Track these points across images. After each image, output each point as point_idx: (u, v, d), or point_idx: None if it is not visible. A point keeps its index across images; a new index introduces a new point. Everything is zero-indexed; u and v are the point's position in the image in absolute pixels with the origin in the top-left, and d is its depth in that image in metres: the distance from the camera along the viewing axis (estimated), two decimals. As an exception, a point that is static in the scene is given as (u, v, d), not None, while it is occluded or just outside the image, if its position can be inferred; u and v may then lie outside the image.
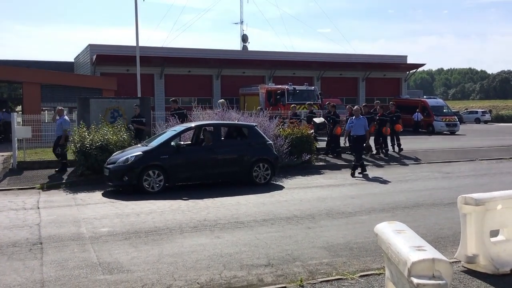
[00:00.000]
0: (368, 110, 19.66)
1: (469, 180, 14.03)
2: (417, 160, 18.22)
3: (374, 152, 19.02)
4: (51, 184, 12.98)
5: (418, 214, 9.46)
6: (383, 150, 19.08)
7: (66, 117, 15.13)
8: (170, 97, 34.22)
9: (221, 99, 15.99)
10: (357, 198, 11.14)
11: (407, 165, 17.34)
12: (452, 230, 7.99)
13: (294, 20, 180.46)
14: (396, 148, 19.70)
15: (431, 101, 37.12)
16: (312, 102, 22.44)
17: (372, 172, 15.71)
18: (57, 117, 14.97)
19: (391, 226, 4.81)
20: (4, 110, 26.05)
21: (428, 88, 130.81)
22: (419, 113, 34.67)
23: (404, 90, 43.52)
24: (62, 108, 15.52)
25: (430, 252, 4.09)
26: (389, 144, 19.51)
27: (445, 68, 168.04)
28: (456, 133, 34.15)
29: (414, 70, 45.70)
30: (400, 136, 20.00)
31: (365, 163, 17.33)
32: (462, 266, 6.19)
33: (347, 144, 17.87)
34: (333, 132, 18.32)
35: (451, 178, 14.45)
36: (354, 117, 15.08)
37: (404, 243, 4.30)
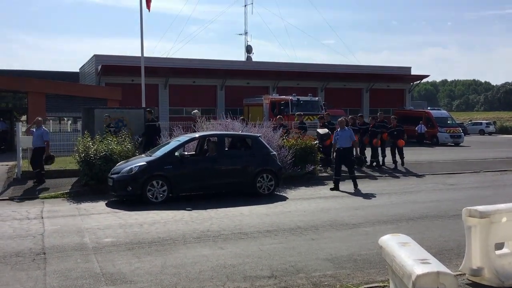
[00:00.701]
0: (362, 121, 19.62)
1: (473, 192, 13.97)
2: (421, 172, 18.15)
3: (368, 163, 18.89)
4: (55, 194, 12.99)
5: (422, 226, 9.41)
6: (375, 162, 18.86)
7: (45, 128, 14.93)
8: (175, 107, 34.67)
9: (195, 109, 15.85)
10: (361, 209, 11.11)
11: (411, 176, 17.28)
12: (456, 243, 7.94)
13: (298, 32, 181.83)
14: (399, 161, 19.22)
15: (435, 113, 37.08)
16: (302, 113, 21.77)
17: (376, 183, 15.69)
18: (33, 129, 14.73)
19: (396, 238, 4.80)
20: (1, 119, 26.02)
21: (432, 99, 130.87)
22: (422, 125, 34.24)
23: (408, 101, 43.56)
24: (41, 119, 15.11)
25: (435, 265, 4.08)
26: (380, 156, 19.13)
27: (449, 80, 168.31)
28: (461, 144, 34.06)
29: (418, 81, 45.76)
30: (403, 149, 19.44)
31: (364, 174, 17.31)
32: (467, 279, 6.15)
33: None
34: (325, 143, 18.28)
35: (456, 190, 14.40)
36: (339, 129, 14.35)
37: (409, 256, 4.29)
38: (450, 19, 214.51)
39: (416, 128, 33.94)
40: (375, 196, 13.05)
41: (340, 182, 14.26)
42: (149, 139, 15.98)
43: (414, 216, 10.32)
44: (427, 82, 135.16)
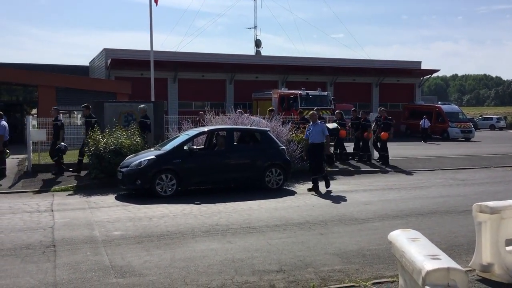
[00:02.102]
0: (356, 115, 19.47)
1: (484, 187, 13.87)
2: (431, 167, 18.05)
3: (357, 158, 18.68)
4: (65, 187, 13.08)
5: (432, 222, 9.36)
6: (366, 156, 18.63)
7: (4, 122, 14.63)
8: (184, 101, 34.71)
9: (142, 104, 15.50)
10: (370, 204, 11.07)
11: (421, 171, 17.18)
12: (466, 238, 7.89)
13: (307, 25, 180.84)
14: (376, 155, 18.74)
15: (446, 107, 36.80)
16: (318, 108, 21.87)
17: (385, 178, 15.62)
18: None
19: (405, 234, 4.77)
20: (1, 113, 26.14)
21: (442, 94, 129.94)
22: (426, 120, 33.21)
23: (418, 96, 43.27)
24: (1, 113, 14.91)
25: (445, 261, 4.05)
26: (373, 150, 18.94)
27: (459, 74, 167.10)
28: (472, 139, 33.78)
29: (428, 76, 45.41)
30: (388, 145, 18.48)
31: (376, 169, 17.24)
32: (477, 275, 6.11)
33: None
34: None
35: (466, 185, 14.30)
36: (311, 123, 13.24)
37: (419, 251, 4.26)
38: (461, 13, 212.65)
39: (420, 123, 33.26)
40: (384, 191, 13.00)
41: (351, 176, 14.16)
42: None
43: (423, 212, 10.27)
44: (437, 76, 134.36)
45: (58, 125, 14.94)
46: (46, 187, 13.13)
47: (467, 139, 33.78)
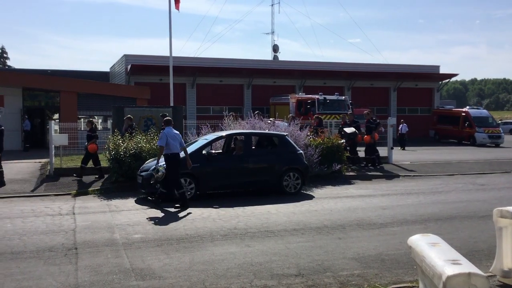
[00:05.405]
0: (352, 119, 19.24)
1: (504, 192, 13.69)
2: (450, 171, 17.87)
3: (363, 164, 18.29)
4: (85, 191, 13.27)
5: (451, 227, 9.28)
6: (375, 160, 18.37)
7: None
8: (202, 106, 34.92)
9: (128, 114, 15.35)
10: (388, 209, 11.01)
11: (440, 176, 17.02)
12: (487, 244, 7.81)
13: (324, 30, 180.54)
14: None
15: (474, 112, 35.87)
16: (345, 113, 21.74)
17: (404, 183, 15.51)
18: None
19: (425, 238, 4.76)
20: (26, 117, 26.55)
21: (461, 98, 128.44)
22: (404, 125, 29.87)
23: (436, 100, 42.83)
24: None
25: (466, 266, 4.03)
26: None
27: (478, 78, 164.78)
28: (501, 145, 32.92)
29: (447, 80, 44.96)
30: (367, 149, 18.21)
31: (392, 174, 17.10)
32: (498, 280, 6.05)
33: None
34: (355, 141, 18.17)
35: (486, 190, 14.13)
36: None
37: (439, 256, 4.25)
38: (478, 17, 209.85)
39: (399, 128, 29.74)
40: (403, 196, 12.91)
41: (369, 181, 14.07)
42: None
43: (442, 216, 10.18)
44: (456, 81, 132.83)
45: (92, 136, 15.21)
46: (67, 191, 13.33)
47: (496, 145, 32.74)
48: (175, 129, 11.72)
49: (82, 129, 22.13)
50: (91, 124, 15.52)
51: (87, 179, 14.78)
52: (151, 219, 9.90)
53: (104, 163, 15.14)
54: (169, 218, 9.91)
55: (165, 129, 11.31)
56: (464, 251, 7.24)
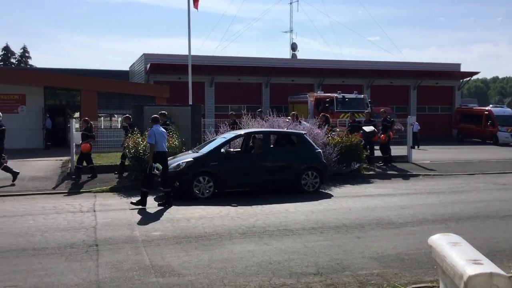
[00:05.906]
0: (369, 118, 19.04)
1: (527, 192, 13.46)
2: (471, 171, 17.63)
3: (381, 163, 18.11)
4: (106, 188, 13.43)
5: (472, 227, 9.17)
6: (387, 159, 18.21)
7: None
8: (220, 105, 35.05)
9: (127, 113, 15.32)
10: (408, 208, 10.92)
11: (460, 175, 16.81)
12: (508, 244, 7.71)
13: (343, 28, 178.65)
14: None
15: (497, 111, 35.20)
16: (362, 111, 21.57)
17: (424, 182, 15.36)
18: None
19: (446, 238, 4.70)
20: (48, 115, 26.86)
21: (482, 96, 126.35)
22: (416, 123, 27.87)
23: (457, 98, 42.27)
24: None
25: (488, 266, 3.97)
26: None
27: (500, 76, 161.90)
28: None
29: (468, 78, 44.30)
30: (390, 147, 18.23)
31: (412, 173, 16.92)
32: (520, 281, 5.95)
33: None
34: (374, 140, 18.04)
35: (508, 190, 13.91)
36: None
37: (460, 256, 4.20)
38: (500, 15, 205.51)
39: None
40: (423, 195, 12.79)
41: (388, 180, 13.97)
42: None
43: (463, 216, 10.06)
44: (477, 79, 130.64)
45: (88, 135, 15.29)
46: (88, 188, 13.51)
47: None
48: (194, 127, 11.77)
49: (103, 127, 22.41)
50: (87, 123, 15.48)
51: (108, 177, 14.95)
52: (170, 217, 9.97)
53: (124, 161, 15.27)
54: (187, 216, 9.97)
55: (153, 127, 11.35)
56: (486, 251, 7.14)
